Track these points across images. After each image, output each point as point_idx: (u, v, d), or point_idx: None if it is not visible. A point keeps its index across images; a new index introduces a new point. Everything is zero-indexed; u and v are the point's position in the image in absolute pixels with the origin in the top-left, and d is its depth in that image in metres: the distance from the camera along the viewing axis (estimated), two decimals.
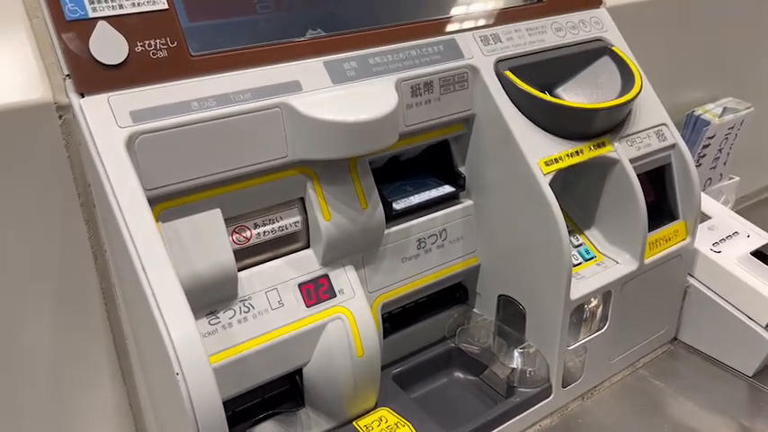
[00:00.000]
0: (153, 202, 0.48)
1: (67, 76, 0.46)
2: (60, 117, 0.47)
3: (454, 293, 0.72)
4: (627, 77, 0.68)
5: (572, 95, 0.67)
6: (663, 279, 0.72)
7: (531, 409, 0.65)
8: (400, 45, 0.60)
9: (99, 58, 0.47)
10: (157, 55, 0.49)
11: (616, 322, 0.68)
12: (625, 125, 0.68)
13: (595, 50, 0.70)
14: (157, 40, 0.49)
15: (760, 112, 0.99)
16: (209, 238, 0.51)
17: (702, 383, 0.72)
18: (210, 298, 0.52)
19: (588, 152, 0.64)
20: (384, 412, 0.62)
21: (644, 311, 0.72)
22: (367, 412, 0.62)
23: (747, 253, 0.75)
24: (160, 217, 0.49)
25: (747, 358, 0.72)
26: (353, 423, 0.61)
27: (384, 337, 0.65)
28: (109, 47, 0.47)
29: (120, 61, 0.47)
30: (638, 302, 0.70)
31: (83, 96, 0.46)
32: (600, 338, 0.68)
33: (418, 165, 0.68)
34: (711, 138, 0.92)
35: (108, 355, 0.56)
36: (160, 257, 0.44)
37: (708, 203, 0.83)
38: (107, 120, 0.46)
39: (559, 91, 0.68)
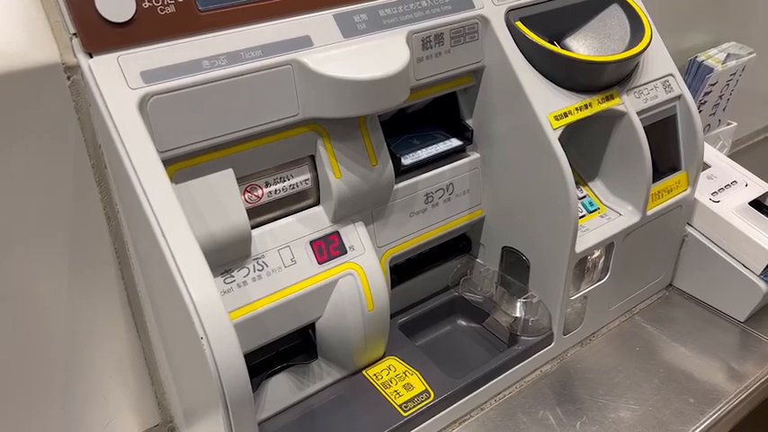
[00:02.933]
0: (166, 164, 0.46)
1: (74, 35, 0.44)
2: (69, 78, 0.46)
3: (457, 244, 0.73)
4: (636, 26, 0.66)
5: (581, 46, 0.66)
6: (663, 229, 0.73)
7: (534, 356, 0.67)
8: None
9: (106, 16, 0.45)
10: (165, 11, 0.47)
11: (617, 272, 0.70)
12: (633, 77, 0.67)
13: None
14: None
15: (762, 57, 0.98)
16: (222, 197, 0.51)
17: (696, 328, 0.74)
18: (225, 257, 0.52)
19: (597, 105, 0.63)
20: (392, 361, 0.64)
21: (643, 260, 0.74)
22: (375, 362, 0.64)
23: (745, 203, 0.76)
24: (173, 178, 0.49)
25: (741, 304, 0.74)
26: (363, 372, 0.63)
27: (390, 288, 0.66)
28: (116, 3, 0.45)
29: (127, 18, 0.45)
30: (638, 252, 0.71)
31: (91, 56, 0.45)
32: (601, 288, 0.69)
33: (424, 117, 0.67)
34: (714, 84, 0.91)
35: (123, 314, 0.56)
36: (178, 220, 0.44)
37: (708, 152, 0.82)
38: (117, 81, 0.45)
39: (568, 41, 0.66)
